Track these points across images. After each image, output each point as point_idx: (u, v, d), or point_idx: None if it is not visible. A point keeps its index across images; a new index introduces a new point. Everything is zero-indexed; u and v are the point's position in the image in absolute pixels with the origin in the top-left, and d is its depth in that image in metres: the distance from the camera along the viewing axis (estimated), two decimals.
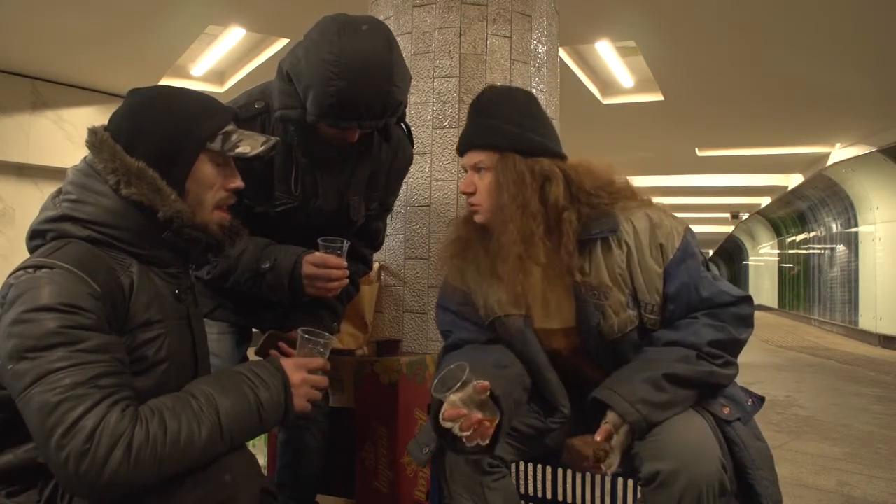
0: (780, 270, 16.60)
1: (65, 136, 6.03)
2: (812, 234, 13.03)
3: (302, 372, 1.12)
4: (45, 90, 5.92)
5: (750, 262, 22.15)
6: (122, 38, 4.95)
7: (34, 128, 5.89)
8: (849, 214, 10.40)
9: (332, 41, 1.32)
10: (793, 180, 11.09)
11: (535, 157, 1.34)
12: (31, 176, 6.00)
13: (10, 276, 0.98)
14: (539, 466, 1.56)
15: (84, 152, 1.10)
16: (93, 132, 1.08)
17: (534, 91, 2.37)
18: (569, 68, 5.46)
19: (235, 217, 1.19)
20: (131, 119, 1.09)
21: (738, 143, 8.41)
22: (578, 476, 1.57)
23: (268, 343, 1.47)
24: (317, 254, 1.46)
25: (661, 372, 1.22)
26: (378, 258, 2.27)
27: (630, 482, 1.47)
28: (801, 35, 4.62)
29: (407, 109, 2.25)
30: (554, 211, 1.32)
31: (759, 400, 1.39)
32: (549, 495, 1.59)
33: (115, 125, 1.09)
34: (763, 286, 18.71)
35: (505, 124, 1.34)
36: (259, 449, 2.19)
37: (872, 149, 7.86)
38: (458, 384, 1.15)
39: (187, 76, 5.83)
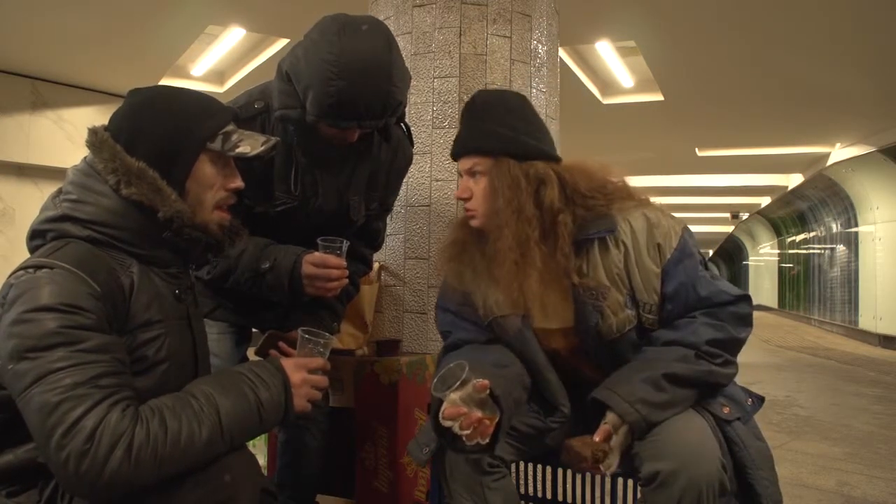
0: (780, 270, 16.60)
1: (65, 136, 6.04)
2: (812, 234, 13.03)
3: (302, 372, 1.12)
4: (45, 90, 5.92)
5: (750, 262, 22.15)
6: (122, 38, 4.95)
7: (34, 128, 5.89)
8: (849, 214, 10.40)
9: (331, 41, 1.32)
10: (793, 180, 11.10)
11: (529, 161, 1.33)
12: (31, 176, 6.00)
13: (10, 275, 0.98)
14: (539, 466, 1.56)
15: (84, 152, 1.10)
16: (93, 132, 1.08)
17: (534, 91, 2.37)
18: (569, 68, 5.46)
19: (235, 217, 1.19)
20: (131, 119, 1.09)
21: (738, 143, 8.41)
22: (578, 476, 1.57)
23: (267, 343, 1.48)
24: (316, 254, 1.46)
25: (660, 372, 1.22)
26: (378, 258, 2.27)
27: (630, 482, 1.47)
28: (801, 35, 4.63)
29: (407, 109, 2.25)
30: (549, 214, 1.32)
31: (759, 400, 1.39)
32: (549, 495, 1.59)
33: (116, 125, 1.10)
34: (763, 286, 18.71)
35: (498, 128, 1.34)
36: (259, 449, 2.19)
37: (872, 149, 7.86)
38: (458, 383, 1.15)
39: (187, 76, 5.83)
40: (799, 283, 14.35)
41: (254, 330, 1.73)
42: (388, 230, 2.26)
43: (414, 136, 1.80)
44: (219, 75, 5.99)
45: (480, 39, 2.27)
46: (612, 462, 1.19)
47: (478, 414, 1.16)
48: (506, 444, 1.34)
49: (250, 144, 1.14)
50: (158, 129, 1.08)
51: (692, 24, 4.51)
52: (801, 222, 13.62)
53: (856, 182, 9.43)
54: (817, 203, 11.77)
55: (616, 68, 5.78)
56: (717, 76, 5.57)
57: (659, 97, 6.12)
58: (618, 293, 1.32)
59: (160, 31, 4.80)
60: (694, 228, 1.38)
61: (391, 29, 2.25)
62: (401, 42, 2.29)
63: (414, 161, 1.83)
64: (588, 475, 1.53)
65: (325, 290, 1.48)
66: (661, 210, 1.38)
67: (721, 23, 4.45)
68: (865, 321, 9.56)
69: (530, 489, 1.61)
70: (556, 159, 1.39)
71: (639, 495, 1.22)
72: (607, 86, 6.28)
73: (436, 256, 2.16)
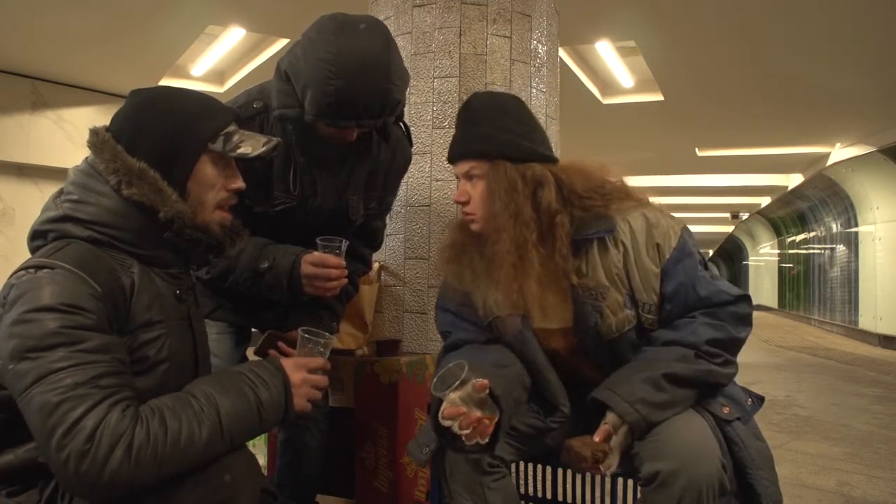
0: (780, 270, 16.60)
1: (65, 136, 6.04)
2: (812, 234, 13.03)
3: (302, 372, 1.12)
4: (45, 90, 5.92)
5: (750, 262, 22.15)
6: (122, 38, 4.95)
7: (34, 128, 5.89)
8: (849, 214, 10.40)
9: (329, 40, 1.32)
10: (793, 180, 11.10)
11: (525, 163, 1.33)
12: (31, 176, 6.00)
13: (11, 276, 0.98)
14: (539, 466, 1.56)
15: (84, 152, 1.10)
16: (94, 132, 1.08)
17: (534, 91, 2.37)
18: (569, 68, 5.46)
19: (236, 217, 1.19)
20: (133, 119, 1.09)
21: (738, 143, 8.41)
22: (578, 476, 1.57)
23: (267, 343, 1.48)
24: (315, 253, 1.46)
25: (660, 372, 1.22)
26: (378, 258, 2.27)
27: (630, 482, 1.47)
28: (801, 35, 4.63)
29: (407, 109, 2.26)
30: (547, 215, 1.32)
31: (759, 400, 1.39)
32: (549, 495, 1.59)
33: (117, 125, 1.10)
34: (763, 286, 18.71)
35: (494, 131, 1.34)
36: (259, 449, 2.19)
37: (872, 149, 7.86)
38: (458, 382, 1.15)
39: (187, 76, 5.83)
40: (799, 283, 14.35)
41: (253, 330, 1.73)
42: (388, 230, 2.26)
43: (414, 136, 1.80)
44: (219, 75, 5.99)
45: (480, 39, 2.27)
46: (612, 462, 1.19)
47: (477, 414, 1.16)
48: (506, 444, 1.34)
49: (252, 145, 1.14)
50: (159, 130, 1.08)
51: (692, 24, 4.51)
52: (801, 222, 13.62)
53: (856, 182, 9.43)
54: (817, 203, 11.77)
55: (616, 68, 5.78)
56: (717, 76, 5.57)
57: (659, 97, 6.12)
58: (617, 293, 1.32)
59: (160, 31, 4.80)
60: (694, 228, 1.38)
61: (391, 29, 2.25)
62: (401, 42, 2.30)
63: (414, 161, 1.83)
64: (588, 475, 1.53)
65: (325, 289, 1.48)
66: (660, 210, 1.38)
67: (721, 23, 4.45)
68: (865, 321, 9.56)
69: (530, 489, 1.61)
70: (553, 160, 1.39)
71: (639, 495, 1.22)
72: (607, 86, 6.28)
73: (435, 257, 2.16)
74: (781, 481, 1.28)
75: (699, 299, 1.29)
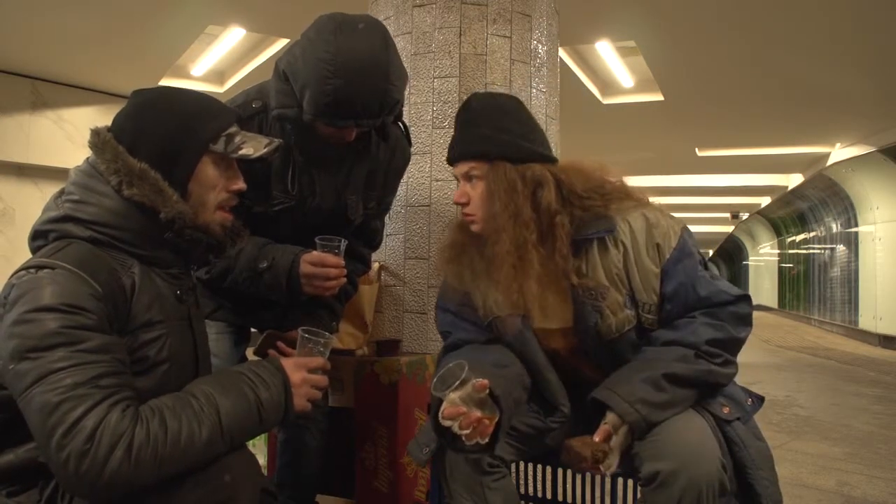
0: (780, 270, 16.60)
1: (65, 136, 6.03)
2: (812, 234, 13.03)
3: (302, 371, 1.13)
4: (45, 90, 5.92)
5: (750, 262, 22.16)
6: (122, 38, 4.95)
7: (34, 128, 5.89)
8: (849, 214, 10.40)
9: (328, 40, 1.32)
10: (793, 180, 11.10)
11: (525, 164, 1.33)
12: (31, 176, 6.00)
13: (12, 276, 0.98)
14: (539, 466, 1.56)
15: (84, 152, 1.10)
16: (95, 133, 1.08)
17: (534, 91, 2.37)
18: (569, 68, 5.46)
19: (237, 218, 1.19)
20: (134, 119, 1.09)
21: (738, 143, 8.41)
22: (578, 476, 1.57)
23: (266, 343, 1.47)
24: (314, 253, 1.46)
25: (660, 372, 1.22)
26: (378, 258, 2.27)
27: (630, 482, 1.47)
28: (801, 35, 4.63)
29: (407, 109, 2.26)
30: (546, 216, 1.32)
31: (759, 400, 1.39)
32: (549, 495, 1.59)
33: (119, 125, 1.10)
34: (763, 286, 18.71)
35: (493, 132, 1.34)
36: (259, 449, 2.19)
37: (872, 149, 7.86)
38: (458, 382, 1.15)
39: (187, 76, 5.83)
40: (799, 283, 14.36)
41: (253, 330, 1.73)
42: (388, 230, 2.26)
43: (414, 136, 1.81)
44: (219, 75, 5.99)
45: (480, 39, 2.27)
46: (612, 462, 1.19)
47: (477, 413, 1.16)
48: (506, 444, 1.34)
49: (253, 146, 1.14)
50: (161, 130, 1.08)
51: (692, 24, 4.51)
52: (801, 222, 13.62)
53: (856, 182, 9.43)
54: (817, 203, 11.77)
55: (616, 68, 5.78)
56: (717, 76, 5.57)
57: (659, 97, 6.12)
58: (617, 293, 1.32)
59: (160, 31, 4.80)
60: (694, 228, 1.38)
61: (391, 29, 2.26)
62: (401, 42, 2.30)
63: (414, 161, 1.83)
64: (588, 475, 1.53)
65: (324, 289, 1.48)
66: (659, 210, 1.38)
67: (721, 23, 4.45)
68: (865, 321, 9.56)
69: (530, 489, 1.61)
70: (553, 160, 1.39)
71: (639, 495, 1.22)
72: (607, 86, 6.28)
73: (435, 257, 2.16)
74: (781, 481, 1.28)
75: (699, 299, 1.29)
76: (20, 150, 5.81)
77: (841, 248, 10.99)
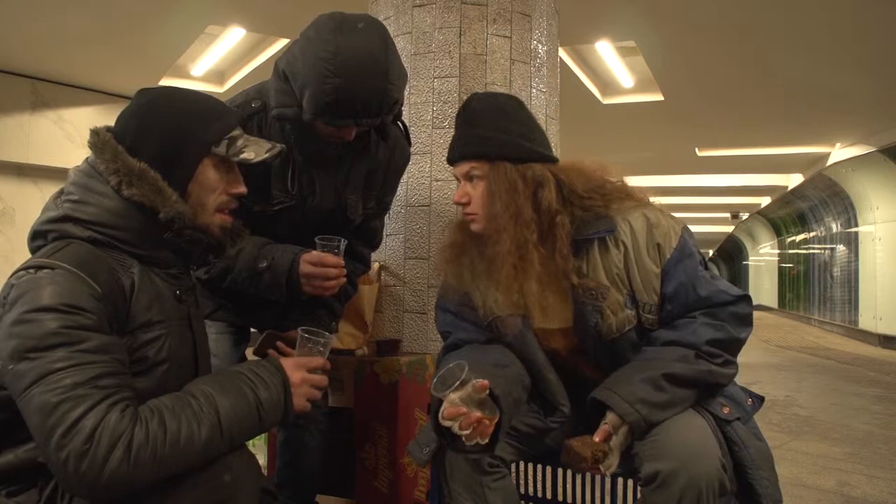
0: (780, 270, 16.60)
1: (65, 136, 6.03)
2: (812, 234, 13.03)
3: (301, 371, 1.12)
4: (45, 90, 5.92)
5: (750, 262, 22.16)
6: (122, 38, 4.95)
7: (34, 128, 5.89)
8: (849, 214, 10.40)
9: (328, 39, 1.32)
10: (793, 180, 11.09)
11: (526, 163, 1.33)
12: (31, 176, 6.00)
13: (11, 276, 0.98)
14: (539, 466, 1.56)
15: (84, 152, 1.10)
16: (95, 133, 1.08)
17: (534, 91, 2.37)
18: (569, 68, 5.46)
19: (237, 218, 1.19)
20: (138, 118, 1.09)
21: (738, 143, 8.40)
22: (578, 476, 1.57)
23: (266, 343, 1.47)
24: (314, 252, 1.46)
25: (660, 372, 1.22)
26: (378, 258, 2.27)
27: (630, 482, 1.47)
28: (802, 35, 4.62)
29: (407, 109, 2.26)
30: (547, 216, 1.32)
31: (759, 400, 1.39)
32: (549, 495, 1.59)
33: (122, 124, 1.10)
34: (763, 286, 18.71)
35: (494, 132, 1.34)
36: (259, 449, 2.19)
37: (872, 149, 7.86)
38: (458, 383, 1.15)
39: (187, 76, 5.83)
40: (799, 284, 14.36)
41: (252, 330, 1.73)
42: (388, 230, 2.26)
43: (414, 136, 1.81)
44: (219, 75, 5.99)
45: (480, 39, 2.27)
46: (612, 462, 1.19)
47: (477, 414, 1.16)
48: (506, 444, 1.34)
49: (255, 151, 1.14)
50: (162, 130, 1.08)
51: (692, 24, 4.51)
52: (802, 222, 13.62)
53: (856, 182, 9.43)
54: (817, 203, 11.77)
55: (616, 68, 5.78)
56: (717, 76, 5.57)
57: (659, 97, 6.11)
58: (617, 293, 1.32)
59: (160, 31, 4.80)
60: (694, 228, 1.38)
61: (391, 29, 2.26)
62: (401, 42, 2.30)
63: (414, 161, 1.83)
64: (588, 475, 1.53)
65: (323, 289, 1.48)
66: (660, 210, 1.38)
67: (721, 23, 4.45)
68: (865, 321, 9.56)
69: (530, 489, 1.61)
70: (553, 160, 1.39)
71: (639, 495, 1.22)
72: (607, 86, 6.28)
73: (435, 257, 2.16)
74: (781, 481, 1.28)
75: (699, 299, 1.29)
76: (20, 150, 5.81)
77: (841, 248, 10.99)
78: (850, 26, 4.45)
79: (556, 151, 2.04)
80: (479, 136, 1.35)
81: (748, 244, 21.68)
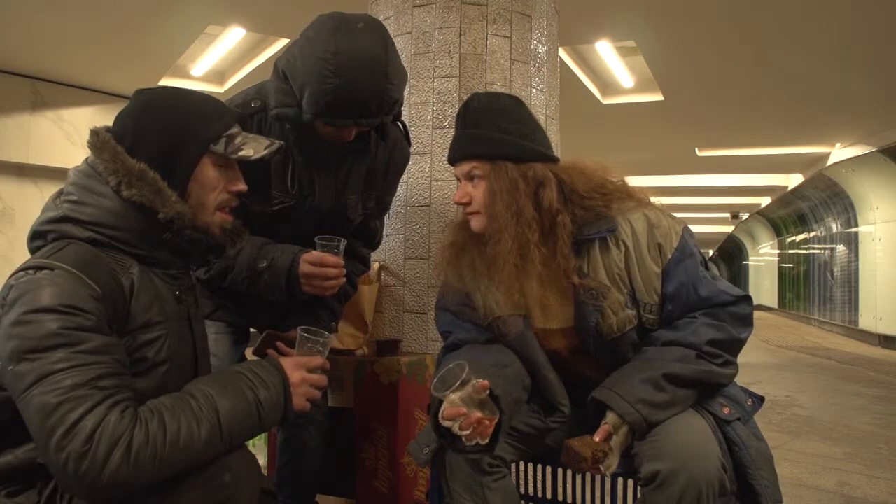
0: (780, 270, 16.60)
1: (65, 136, 6.03)
2: (812, 234, 13.03)
3: (301, 371, 1.12)
4: (45, 90, 5.92)
5: (750, 262, 22.16)
6: (122, 38, 4.95)
7: (34, 128, 5.89)
8: (849, 214, 10.40)
9: (327, 39, 1.32)
10: (793, 180, 11.09)
11: (527, 163, 1.33)
12: (31, 176, 6.00)
13: (10, 276, 0.98)
14: (539, 466, 1.56)
15: (84, 152, 1.10)
16: (94, 133, 1.08)
17: (534, 91, 2.37)
18: (569, 68, 5.46)
19: (237, 218, 1.19)
20: (136, 118, 1.09)
21: (738, 143, 8.40)
22: (578, 476, 1.57)
23: (266, 343, 1.47)
24: (314, 252, 1.46)
25: (660, 372, 1.22)
26: (378, 258, 2.27)
27: (630, 482, 1.47)
28: (802, 35, 4.63)
29: (407, 109, 2.26)
30: (548, 215, 1.32)
31: (759, 400, 1.39)
32: (549, 495, 1.59)
33: (120, 125, 1.10)
34: (763, 286, 18.71)
35: (494, 132, 1.34)
36: (259, 449, 2.19)
37: (872, 149, 7.86)
38: (458, 383, 1.15)
39: (187, 76, 5.83)
40: (799, 284, 14.36)
41: (252, 330, 1.73)
42: (388, 230, 2.26)
43: (414, 136, 1.81)
44: (219, 75, 5.99)
45: (480, 39, 2.27)
46: (612, 462, 1.19)
47: (477, 414, 1.16)
48: (506, 444, 1.34)
49: (254, 147, 1.14)
50: (161, 130, 1.08)
51: (692, 24, 4.51)
52: (802, 222, 13.62)
53: (856, 182, 9.43)
54: (817, 203, 11.77)
55: (616, 68, 5.78)
56: (717, 76, 5.57)
57: (659, 97, 6.11)
58: (618, 293, 1.32)
59: (160, 31, 4.80)
60: (694, 228, 1.38)
61: (391, 29, 2.26)
62: (401, 42, 2.30)
63: (414, 161, 1.83)
64: (588, 475, 1.53)
65: (323, 289, 1.48)
66: (661, 210, 1.38)
67: (721, 23, 4.45)
68: (865, 321, 9.56)
69: (530, 489, 1.61)
70: (554, 160, 1.39)
71: (639, 495, 1.22)
72: (607, 86, 6.28)
73: (435, 257, 2.16)
74: (781, 481, 1.28)
75: (700, 300, 1.29)
76: (20, 150, 5.81)
77: (841, 248, 10.99)
78: (850, 26, 4.45)
79: (556, 151, 2.04)
80: (480, 135, 1.35)
81: (748, 244, 21.68)
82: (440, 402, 1.19)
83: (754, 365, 6.70)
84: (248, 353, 1.64)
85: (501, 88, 2.27)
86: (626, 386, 1.22)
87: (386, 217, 1.88)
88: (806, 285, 13.60)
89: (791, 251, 15.18)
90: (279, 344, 1.35)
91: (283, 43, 5.11)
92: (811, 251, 13.18)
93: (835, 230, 11.39)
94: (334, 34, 1.32)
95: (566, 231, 1.32)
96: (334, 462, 1.97)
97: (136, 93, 1.13)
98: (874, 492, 2.74)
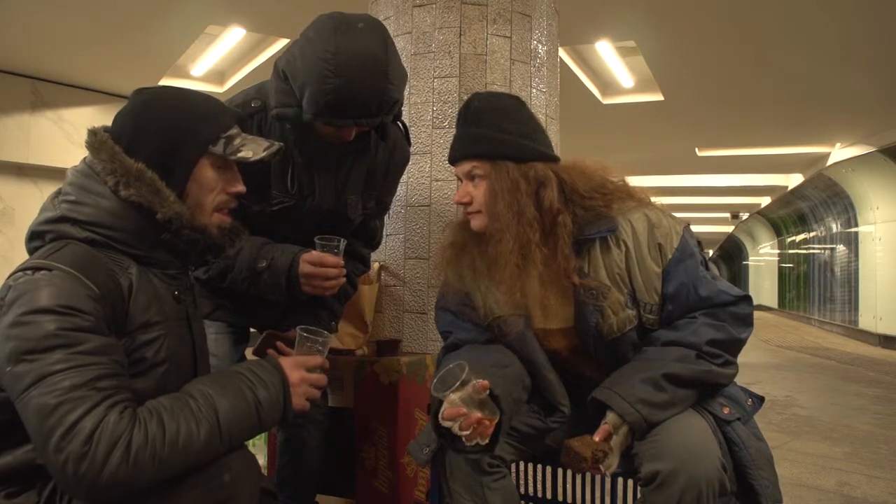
0: (780, 270, 16.60)
1: (65, 136, 6.03)
2: (812, 234, 13.03)
3: (300, 370, 1.12)
4: (45, 90, 5.92)
5: (750, 262, 22.16)
6: (122, 38, 4.95)
7: (34, 128, 5.88)
8: (849, 214, 10.40)
9: (328, 39, 1.32)
10: (793, 180, 11.09)
11: (528, 163, 1.33)
12: (31, 176, 6.00)
13: (9, 277, 0.97)
14: (539, 466, 1.56)
15: (84, 152, 1.09)
16: (92, 133, 1.08)
17: (534, 91, 2.37)
18: (569, 68, 5.46)
19: (235, 218, 1.19)
20: (135, 118, 1.09)
21: (738, 143, 8.40)
22: (578, 476, 1.57)
23: (265, 343, 1.47)
24: (314, 252, 1.45)
25: (660, 372, 1.22)
26: (378, 258, 2.27)
27: (630, 482, 1.47)
28: (802, 35, 4.63)
29: (407, 109, 2.26)
30: (549, 215, 1.32)
31: (759, 400, 1.39)
32: (549, 495, 1.59)
33: (118, 124, 1.10)
34: (763, 286, 18.71)
35: (495, 132, 1.34)
36: (259, 449, 2.19)
37: (872, 149, 7.86)
38: (458, 383, 1.15)
39: (187, 76, 5.83)
40: (799, 284, 14.36)
41: (252, 330, 1.73)
42: (388, 230, 2.26)
43: (414, 136, 1.80)
44: (219, 75, 5.99)
45: (480, 39, 2.27)
46: (612, 462, 1.19)
47: (477, 414, 1.16)
48: (506, 444, 1.34)
49: (252, 149, 1.13)
50: (160, 130, 1.07)
51: (692, 24, 4.51)
52: (802, 222, 13.62)
53: (856, 182, 9.43)
54: (817, 203, 11.77)
55: (616, 68, 5.78)
56: (717, 76, 5.57)
57: (659, 97, 6.11)
58: (618, 293, 1.32)
59: (160, 31, 4.80)
60: (694, 228, 1.38)
61: (391, 29, 2.26)
62: (401, 42, 2.30)
63: (414, 161, 1.82)
64: (588, 475, 1.53)
65: (323, 289, 1.48)
66: (661, 210, 1.38)
67: (721, 23, 4.45)
68: (865, 321, 9.56)
69: (530, 489, 1.61)
70: (555, 159, 1.39)
71: (639, 495, 1.22)
72: (607, 86, 6.28)
73: (435, 257, 2.16)
74: (781, 481, 1.28)
75: (700, 300, 1.29)
76: (20, 150, 5.81)
77: (841, 248, 10.99)
78: (850, 26, 4.45)
79: (556, 151, 2.04)
80: (481, 135, 1.35)
81: (748, 244, 21.68)
82: (440, 402, 1.19)
83: (754, 365, 6.70)
84: (248, 353, 1.63)
85: (501, 88, 2.27)
86: (626, 386, 1.22)
87: (386, 217, 1.88)
88: (806, 285, 13.60)
89: (791, 251, 15.18)
90: (279, 344, 1.35)
91: (283, 43, 5.11)
92: (811, 251, 13.18)
93: (835, 230, 11.39)
94: (334, 34, 1.32)
95: (567, 231, 1.32)
96: (334, 462, 1.97)
97: (135, 92, 1.13)
98: (874, 492, 2.74)
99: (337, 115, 1.35)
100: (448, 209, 2.20)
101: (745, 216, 16.48)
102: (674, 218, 1.36)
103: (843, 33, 4.58)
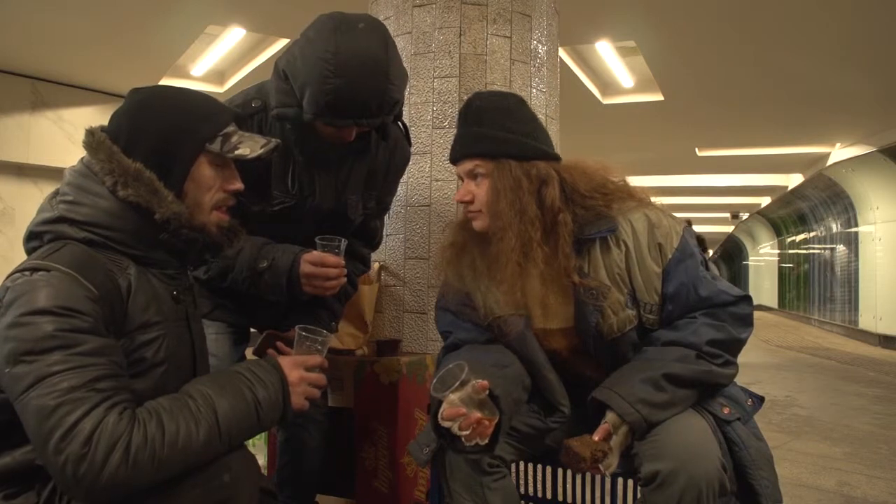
0: (780, 270, 16.60)
1: (65, 136, 6.04)
2: (812, 234, 13.03)
3: (299, 370, 1.12)
4: (45, 90, 5.92)
5: (750, 262, 22.16)
6: (122, 38, 4.95)
7: (34, 128, 5.89)
8: (849, 214, 10.40)
9: (328, 39, 1.32)
10: (793, 180, 11.10)
11: (529, 161, 1.33)
12: (31, 176, 6.01)
13: (6, 278, 0.97)
14: (539, 466, 1.56)
15: (84, 153, 1.09)
16: (90, 133, 1.07)
17: (534, 91, 2.37)
18: (569, 68, 5.46)
19: (234, 217, 1.19)
20: (131, 118, 1.09)
21: (738, 143, 8.41)
22: (578, 476, 1.56)
23: (265, 343, 1.47)
24: (315, 252, 1.45)
25: (660, 372, 1.22)
26: (378, 258, 2.27)
27: (630, 482, 1.47)
28: (802, 35, 4.63)
29: (407, 109, 2.26)
30: (550, 213, 1.32)
31: (759, 400, 1.39)
32: (549, 495, 1.59)
33: (115, 124, 1.09)
34: (763, 286, 18.71)
35: (497, 130, 1.34)
36: (259, 449, 2.19)
37: (872, 149, 7.86)
38: (458, 383, 1.15)
39: (187, 76, 5.83)
40: (799, 283, 14.36)
41: (252, 330, 1.73)
42: (388, 230, 2.26)
43: (414, 136, 1.80)
44: (219, 75, 5.99)
45: (480, 39, 2.27)
46: (612, 462, 1.19)
47: (477, 415, 1.16)
48: (506, 444, 1.34)
49: (250, 146, 1.13)
50: (156, 129, 1.07)
51: (692, 24, 4.51)
52: (802, 222, 13.62)
53: (856, 182, 9.43)
54: (817, 203, 11.77)
55: (616, 68, 5.78)
56: (717, 76, 5.57)
57: (659, 97, 6.11)
58: (618, 293, 1.32)
59: (160, 31, 4.80)
60: (694, 228, 1.38)
61: (391, 29, 2.25)
62: (401, 42, 2.30)
63: (414, 161, 1.82)
64: (588, 475, 1.53)
65: (324, 289, 1.48)
66: (661, 210, 1.38)
67: (721, 23, 4.45)
68: (865, 321, 9.56)
69: (530, 489, 1.61)
70: (556, 158, 1.39)
71: (639, 495, 1.22)
72: (607, 86, 6.28)
73: (435, 257, 2.16)
74: (781, 481, 1.28)
75: (700, 300, 1.29)
76: (20, 150, 5.81)
77: (841, 248, 10.99)
78: (850, 26, 4.45)
79: (557, 151, 2.04)
80: (483, 134, 1.35)
81: (748, 244, 21.69)
82: (440, 402, 1.19)
83: (754, 365, 6.70)
84: (249, 353, 1.63)
85: (501, 88, 2.27)
86: (626, 386, 1.22)
87: (386, 217, 1.88)
88: (806, 285, 13.60)
89: (791, 251, 15.18)
90: (279, 344, 1.35)
91: (283, 43, 5.11)
92: (811, 251, 13.18)
93: (835, 230, 11.39)
94: (335, 34, 1.32)
95: (568, 230, 1.32)
96: (334, 462, 1.97)
97: (131, 92, 1.12)
98: (874, 492, 2.74)
99: (337, 116, 1.35)
100: (448, 209, 2.20)
101: (745, 216, 16.48)
102: (674, 218, 1.36)
103: (843, 33, 4.58)
